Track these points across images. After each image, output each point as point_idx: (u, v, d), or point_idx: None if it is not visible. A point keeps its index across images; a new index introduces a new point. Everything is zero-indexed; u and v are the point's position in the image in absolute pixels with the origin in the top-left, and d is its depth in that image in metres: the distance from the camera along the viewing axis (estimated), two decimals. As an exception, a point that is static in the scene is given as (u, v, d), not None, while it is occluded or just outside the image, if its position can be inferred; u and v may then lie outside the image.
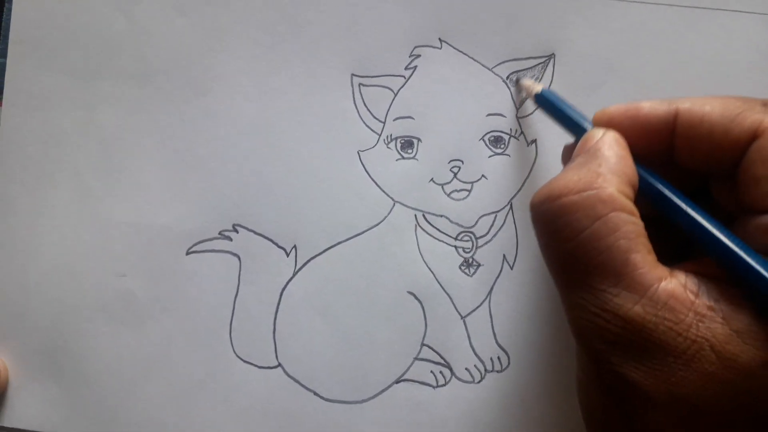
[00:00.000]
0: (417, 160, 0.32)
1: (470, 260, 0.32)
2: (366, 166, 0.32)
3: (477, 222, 0.32)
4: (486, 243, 0.32)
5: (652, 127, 0.24)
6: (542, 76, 0.31)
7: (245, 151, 0.32)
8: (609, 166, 0.23)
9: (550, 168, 0.31)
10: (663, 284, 0.22)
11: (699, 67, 0.31)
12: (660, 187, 0.24)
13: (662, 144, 0.25)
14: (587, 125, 0.26)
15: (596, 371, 0.23)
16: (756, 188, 0.22)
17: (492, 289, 0.31)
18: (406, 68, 0.32)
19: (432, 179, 0.32)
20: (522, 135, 0.31)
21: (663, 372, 0.21)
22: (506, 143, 0.31)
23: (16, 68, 0.34)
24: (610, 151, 0.24)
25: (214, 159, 0.33)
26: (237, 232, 0.32)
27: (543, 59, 0.31)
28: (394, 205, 0.32)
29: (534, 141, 0.31)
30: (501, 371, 0.31)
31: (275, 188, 0.32)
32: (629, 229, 0.22)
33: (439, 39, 0.32)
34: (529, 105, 0.31)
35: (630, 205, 0.23)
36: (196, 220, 0.33)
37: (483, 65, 0.31)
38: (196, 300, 0.32)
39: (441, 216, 0.32)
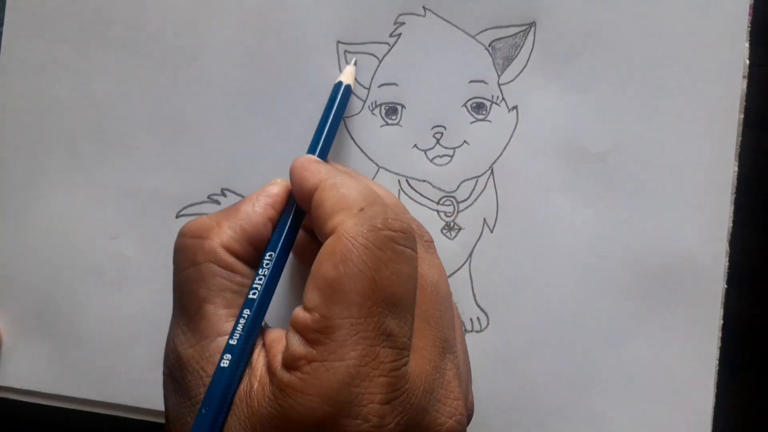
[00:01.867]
0: (401, 126, 0.32)
1: (452, 224, 0.32)
2: (351, 132, 0.33)
3: (458, 187, 0.32)
4: (467, 207, 0.32)
5: (303, 189, 0.26)
6: (523, 43, 0.32)
7: (234, 118, 0.33)
8: (232, 221, 0.25)
9: (531, 133, 0.32)
10: (218, 339, 0.24)
11: (675, 36, 0.31)
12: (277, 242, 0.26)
13: (309, 205, 0.26)
14: (312, 151, 0.29)
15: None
16: (308, 281, 0.23)
17: (472, 252, 0.32)
18: (390, 35, 0.32)
19: (415, 145, 0.32)
20: (503, 101, 0.32)
21: (182, 409, 0.24)
22: (488, 109, 0.32)
23: (12, 37, 0.34)
24: (248, 207, 0.26)
25: (204, 125, 0.33)
26: (225, 196, 0.33)
27: (524, 27, 0.32)
28: (378, 170, 0.33)
29: (515, 107, 0.32)
30: (480, 331, 0.32)
31: (263, 154, 0.33)
32: (215, 281, 0.24)
33: (423, 7, 0.32)
34: (510, 72, 0.32)
35: (228, 260, 0.25)
36: (185, 185, 0.33)
37: (466, 33, 0.32)
38: (185, 262, 0.33)
39: (423, 181, 0.32)
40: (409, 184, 0.33)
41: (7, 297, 0.34)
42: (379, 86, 0.33)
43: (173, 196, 0.33)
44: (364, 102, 0.33)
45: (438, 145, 0.32)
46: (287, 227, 0.26)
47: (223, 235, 0.25)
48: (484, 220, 0.32)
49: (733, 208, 0.32)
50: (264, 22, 0.33)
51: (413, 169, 0.32)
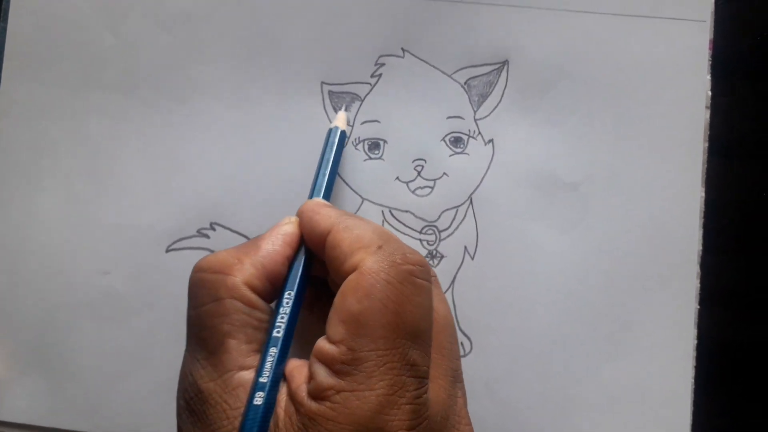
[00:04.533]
0: (383, 160, 0.34)
1: (434, 252, 0.34)
2: (336, 167, 0.34)
3: (440, 216, 0.34)
4: (448, 236, 0.34)
5: (315, 232, 0.27)
6: (497, 80, 0.34)
7: (223, 155, 0.35)
8: (254, 258, 0.26)
9: (507, 165, 0.34)
10: (241, 373, 0.24)
11: (641, 70, 0.33)
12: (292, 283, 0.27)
13: (322, 248, 0.26)
14: (317, 194, 0.30)
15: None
16: (330, 314, 0.24)
17: (454, 279, 0.33)
18: (372, 76, 0.34)
19: (397, 177, 0.34)
20: (480, 135, 0.34)
21: None
22: (465, 143, 0.34)
23: (11, 81, 0.36)
24: (267, 245, 0.27)
25: (194, 163, 0.35)
26: (214, 230, 0.34)
27: (497, 65, 0.34)
28: (362, 202, 0.34)
29: (491, 140, 0.34)
30: (464, 356, 0.33)
31: (251, 189, 0.34)
32: (238, 317, 0.25)
33: (402, 49, 0.34)
34: (486, 108, 0.34)
35: (250, 297, 0.25)
36: (176, 220, 0.35)
37: (443, 72, 0.34)
38: (177, 296, 0.34)
39: (406, 211, 0.34)
40: (393, 215, 0.34)
41: (3, 332, 0.35)
42: (362, 123, 0.34)
43: (164, 232, 0.35)
44: (348, 138, 0.34)
45: (419, 177, 0.34)
46: (302, 265, 0.27)
47: (245, 272, 0.25)
48: (465, 248, 0.34)
49: (702, 232, 0.33)
50: (252, 65, 0.35)
51: (396, 200, 0.34)
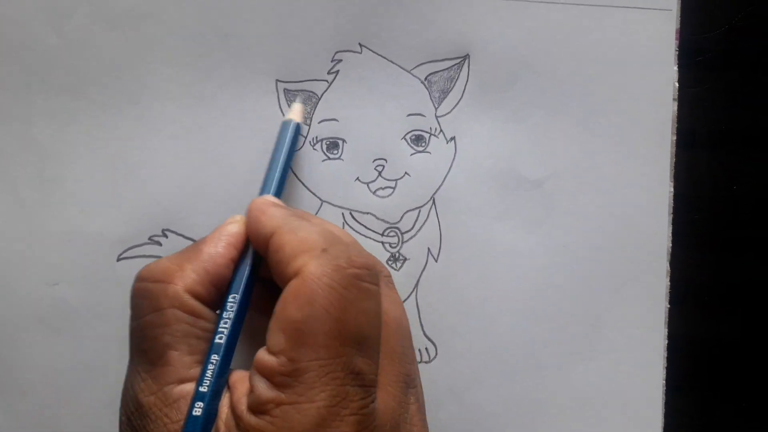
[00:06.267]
0: (342, 160, 0.33)
1: (397, 255, 0.32)
2: (293, 168, 0.33)
3: (402, 218, 0.33)
4: (411, 237, 0.32)
5: (260, 233, 0.25)
6: (458, 75, 0.33)
7: (176, 158, 0.33)
8: (195, 263, 0.25)
9: (469, 163, 0.33)
10: (182, 386, 0.23)
11: (605, 61, 0.32)
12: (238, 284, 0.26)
13: (265, 249, 0.25)
14: (267, 190, 0.29)
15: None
16: (270, 322, 0.23)
17: (418, 282, 0.32)
18: (328, 72, 0.33)
19: (357, 178, 0.33)
20: (441, 133, 0.33)
21: None
22: (427, 141, 0.33)
23: (-50, 85, 0.34)
24: (210, 248, 0.25)
25: (146, 166, 0.33)
26: (167, 236, 0.33)
27: (458, 60, 0.33)
28: (321, 204, 0.33)
29: (453, 138, 0.33)
30: (429, 362, 0.32)
31: (205, 193, 0.33)
32: (179, 327, 0.24)
33: (359, 44, 0.33)
34: (447, 104, 0.33)
35: (193, 305, 0.24)
36: (127, 227, 0.33)
37: (402, 68, 0.33)
38: (128, 305, 0.33)
39: (367, 213, 0.33)
40: (353, 217, 0.33)
41: (-52, 349, 0.33)
42: (319, 122, 0.33)
43: (115, 239, 0.33)
44: (305, 138, 0.33)
45: (380, 178, 0.33)
46: (248, 267, 0.26)
47: (187, 279, 0.24)
48: (429, 249, 0.32)
49: (671, 227, 0.33)
50: (204, 63, 0.33)
51: (356, 201, 0.33)
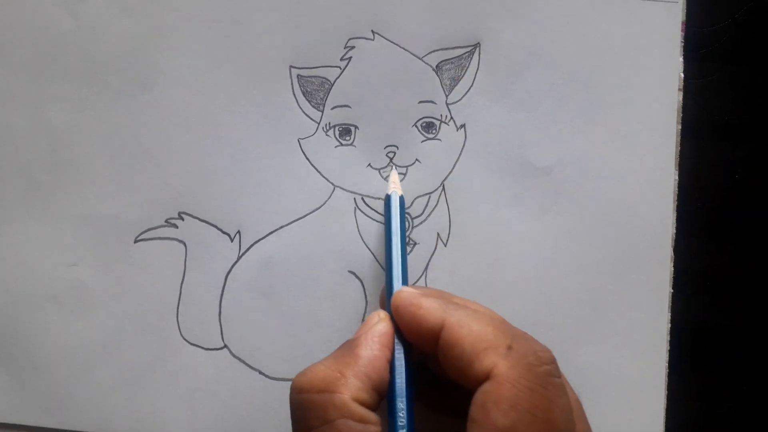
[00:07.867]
0: (355, 146, 0.33)
1: (407, 239, 0.33)
2: (306, 153, 0.33)
3: (412, 203, 0.33)
4: (421, 222, 0.33)
5: (423, 328, 0.25)
6: (469, 63, 0.33)
7: (190, 143, 0.34)
8: (356, 369, 0.24)
9: (479, 150, 0.33)
10: None
11: (613, 52, 0.33)
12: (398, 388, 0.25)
13: (431, 343, 0.25)
14: (396, 277, 0.28)
15: None
16: (471, 428, 0.23)
17: (428, 265, 0.33)
18: (341, 59, 0.33)
19: (369, 164, 0.33)
20: (452, 120, 0.33)
21: None
22: (437, 128, 0.33)
23: (-34, 68, 0.35)
24: (366, 351, 0.25)
25: (160, 151, 0.34)
26: (183, 219, 0.33)
27: (469, 48, 0.33)
28: (334, 189, 0.33)
29: (463, 126, 0.33)
30: (438, 344, 0.33)
31: (219, 177, 0.34)
32: None
33: (372, 31, 0.33)
34: (458, 92, 0.33)
35: (361, 413, 0.23)
36: (143, 210, 0.34)
37: (414, 55, 0.33)
38: (144, 286, 0.34)
39: (378, 198, 0.33)
40: (365, 202, 0.33)
41: (-35, 328, 0.34)
42: (332, 108, 0.33)
43: (131, 222, 0.34)
44: (318, 124, 0.33)
45: (391, 164, 0.33)
46: (404, 368, 0.25)
47: (352, 387, 0.24)
48: (438, 234, 0.33)
49: (675, 215, 0.33)
50: (218, 49, 0.34)
51: (368, 187, 0.33)
